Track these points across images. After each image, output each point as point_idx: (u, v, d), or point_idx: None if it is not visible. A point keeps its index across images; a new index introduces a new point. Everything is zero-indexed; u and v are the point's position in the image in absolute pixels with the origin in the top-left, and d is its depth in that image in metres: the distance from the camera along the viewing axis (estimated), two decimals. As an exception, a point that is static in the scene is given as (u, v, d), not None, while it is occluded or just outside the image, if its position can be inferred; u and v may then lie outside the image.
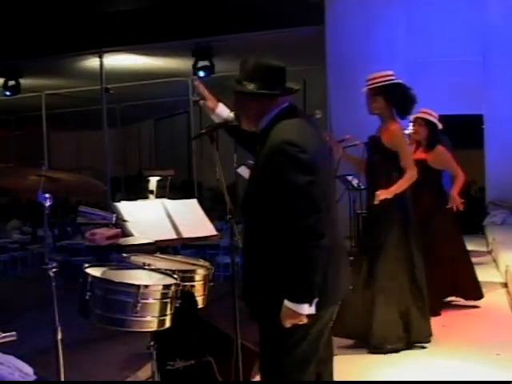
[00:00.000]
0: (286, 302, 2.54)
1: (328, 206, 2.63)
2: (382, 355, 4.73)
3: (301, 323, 2.56)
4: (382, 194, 4.70)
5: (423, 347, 4.90)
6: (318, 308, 2.59)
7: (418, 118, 5.97)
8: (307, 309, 2.54)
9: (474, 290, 6.15)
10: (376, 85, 4.84)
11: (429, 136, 6.03)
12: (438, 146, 6.04)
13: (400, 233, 4.83)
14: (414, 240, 4.89)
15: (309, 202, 2.51)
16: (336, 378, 3.36)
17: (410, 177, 4.82)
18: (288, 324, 2.57)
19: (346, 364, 4.51)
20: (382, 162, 4.92)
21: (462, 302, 6.24)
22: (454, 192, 6.04)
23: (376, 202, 4.71)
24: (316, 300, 2.55)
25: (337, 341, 4.86)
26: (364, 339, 4.87)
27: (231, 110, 3.06)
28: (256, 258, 2.70)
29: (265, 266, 2.65)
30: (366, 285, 4.84)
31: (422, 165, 5.58)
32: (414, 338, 4.88)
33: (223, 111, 3.12)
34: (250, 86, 2.68)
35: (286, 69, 2.74)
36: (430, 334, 4.95)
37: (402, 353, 4.79)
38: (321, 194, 2.56)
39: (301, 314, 2.54)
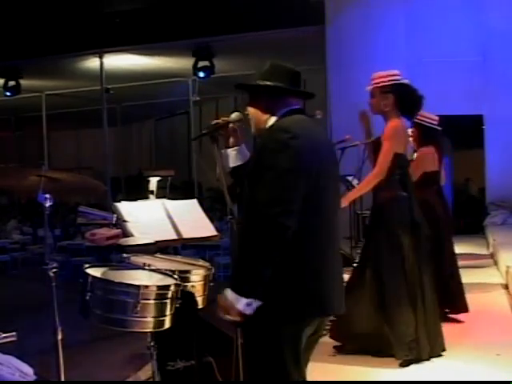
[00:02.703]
0: (227, 290, 2.39)
1: (321, 216, 2.51)
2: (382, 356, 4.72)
3: (232, 319, 2.40)
4: (345, 201, 4.76)
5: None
6: (302, 313, 2.47)
7: (414, 120, 5.93)
8: (243, 305, 2.36)
9: (463, 303, 5.78)
10: (387, 82, 4.75)
11: (418, 138, 5.97)
12: (423, 148, 5.84)
13: (403, 243, 4.59)
14: (422, 254, 4.64)
15: (281, 190, 2.38)
16: (336, 377, 3.39)
17: (373, 176, 4.68)
18: (220, 313, 2.41)
19: (345, 365, 4.51)
20: None
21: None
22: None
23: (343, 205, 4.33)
24: (258, 302, 2.37)
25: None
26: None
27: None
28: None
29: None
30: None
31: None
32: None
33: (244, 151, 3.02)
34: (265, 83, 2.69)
35: (300, 74, 2.73)
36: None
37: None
38: (302, 192, 2.42)
39: (234, 307, 2.36)
